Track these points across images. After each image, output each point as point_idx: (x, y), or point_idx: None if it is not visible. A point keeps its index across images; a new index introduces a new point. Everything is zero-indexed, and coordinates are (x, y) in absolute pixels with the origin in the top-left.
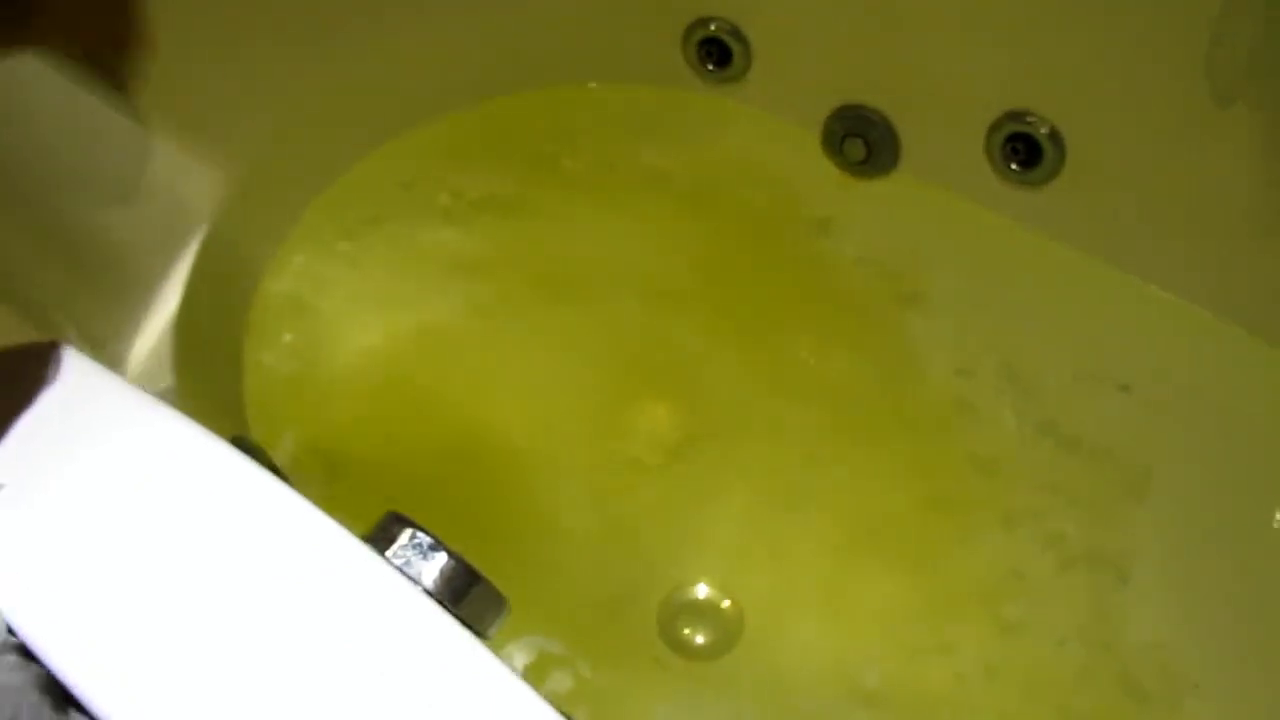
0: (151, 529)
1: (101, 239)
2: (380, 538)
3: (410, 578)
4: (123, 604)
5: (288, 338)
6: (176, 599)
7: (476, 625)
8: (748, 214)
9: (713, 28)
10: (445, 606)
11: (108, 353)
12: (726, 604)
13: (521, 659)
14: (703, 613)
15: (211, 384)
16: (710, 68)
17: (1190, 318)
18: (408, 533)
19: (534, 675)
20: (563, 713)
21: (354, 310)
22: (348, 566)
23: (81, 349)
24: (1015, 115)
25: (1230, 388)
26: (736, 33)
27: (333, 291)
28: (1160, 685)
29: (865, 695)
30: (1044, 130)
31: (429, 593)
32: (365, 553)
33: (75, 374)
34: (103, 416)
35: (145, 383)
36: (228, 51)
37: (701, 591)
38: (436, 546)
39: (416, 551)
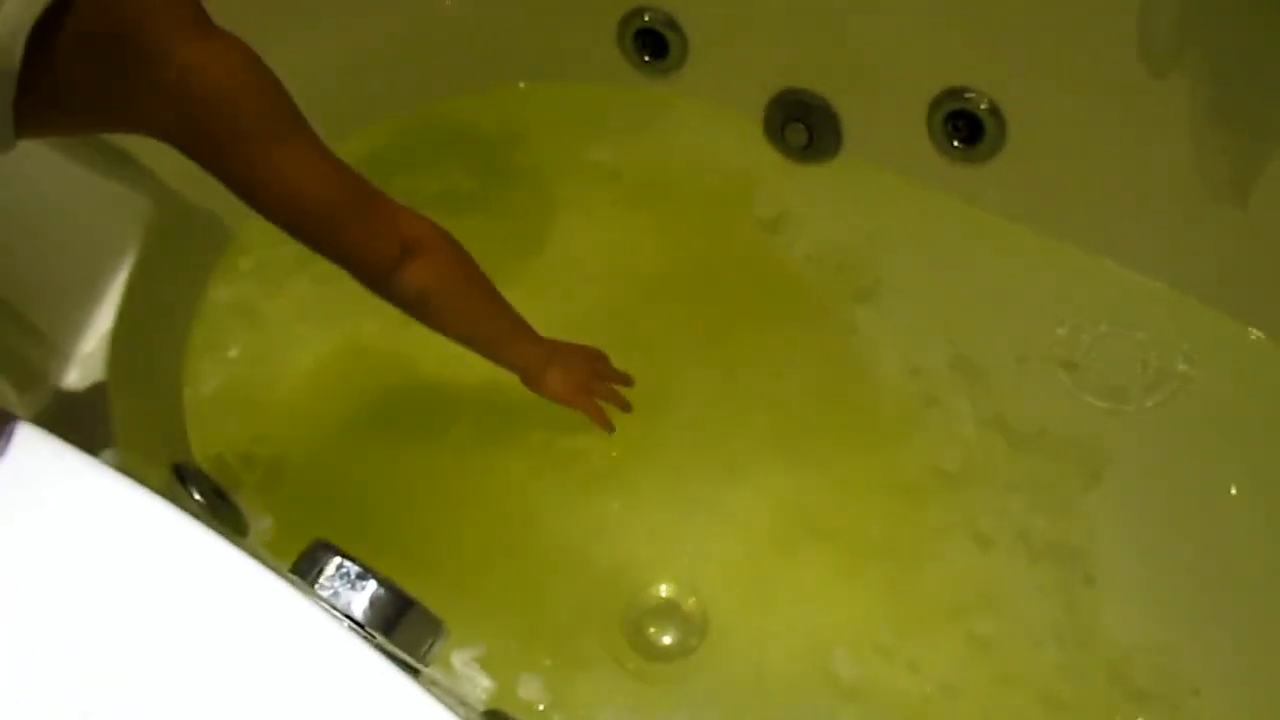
0: (78, 588)
1: (25, 273)
2: (307, 568)
3: (339, 609)
4: (52, 659)
5: (232, 351)
6: (105, 655)
7: (412, 653)
8: (696, 207)
9: (647, 19)
10: (376, 638)
11: (39, 389)
12: (690, 604)
13: (484, 667)
14: (667, 614)
15: (151, 403)
16: (647, 59)
17: (1135, 287)
18: (335, 562)
19: (498, 683)
20: None
21: (300, 319)
22: (273, 615)
23: (10, 383)
24: (954, 92)
25: (1177, 356)
26: (671, 23)
27: (278, 300)
28: (1151, 680)
29: (842, 691)
30: (983, 106)
31: (359, 624)
32: (290, 595)
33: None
34: (30, 475)
35: (79, 414)
36: None
37: (664, 592)
38: (365, 575)
39: (344, 582)
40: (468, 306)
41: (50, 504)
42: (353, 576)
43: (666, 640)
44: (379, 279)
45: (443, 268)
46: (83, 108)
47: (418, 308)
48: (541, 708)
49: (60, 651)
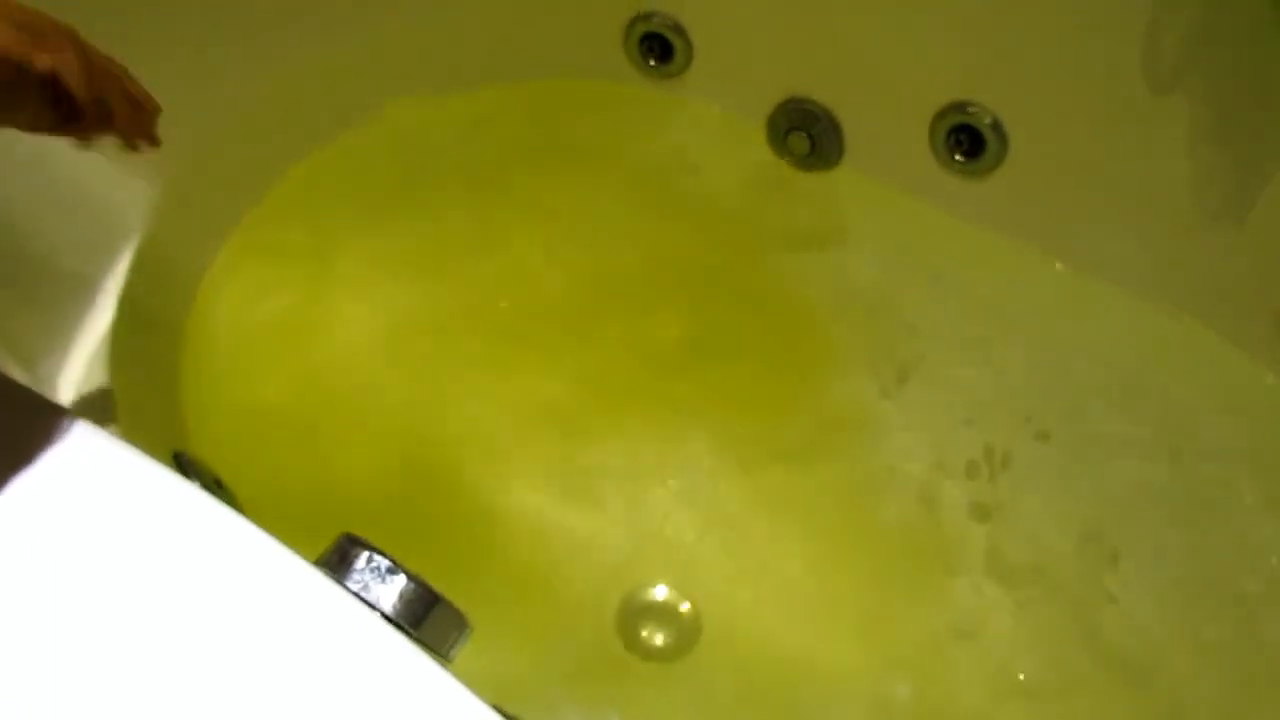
0: (100, 563)
1: (31, 252)
2: (336, 561)
3: (369, 603)
4: (71, 641)
5: (228, 345)
6: (130, 633)
7: (438, 648)
8: (695, 211)
9: (654, 22)
10: (405, 631)
11: (42, 369)
12: (686, 607)
13: (480, 666)
14: (661, 614)
15: (151, 389)
16: (652, 63)
17: (1127, 307)
18: (365, 556)
19: (495, 684)
20: None
21: (298, 315)
22: (306, 600)
23: (14, 367)
24: (958, 106)
25: (1180, 386)
26: (678, 27)
27: (279, 291)
28: None
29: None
30: (987, 121)
31: (388, 618)
32: (323, 582)
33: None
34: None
35: (82, 396)
36: (159, 50)
37: (659, 594)
38: (395, 569)
39: (374, 575)
40: None
41: (62, 473)
42: (382, 571)
43: (659, 641)
44: None
45: None
46: None
47: None
48: (533, 707)
49: (98, 634)
